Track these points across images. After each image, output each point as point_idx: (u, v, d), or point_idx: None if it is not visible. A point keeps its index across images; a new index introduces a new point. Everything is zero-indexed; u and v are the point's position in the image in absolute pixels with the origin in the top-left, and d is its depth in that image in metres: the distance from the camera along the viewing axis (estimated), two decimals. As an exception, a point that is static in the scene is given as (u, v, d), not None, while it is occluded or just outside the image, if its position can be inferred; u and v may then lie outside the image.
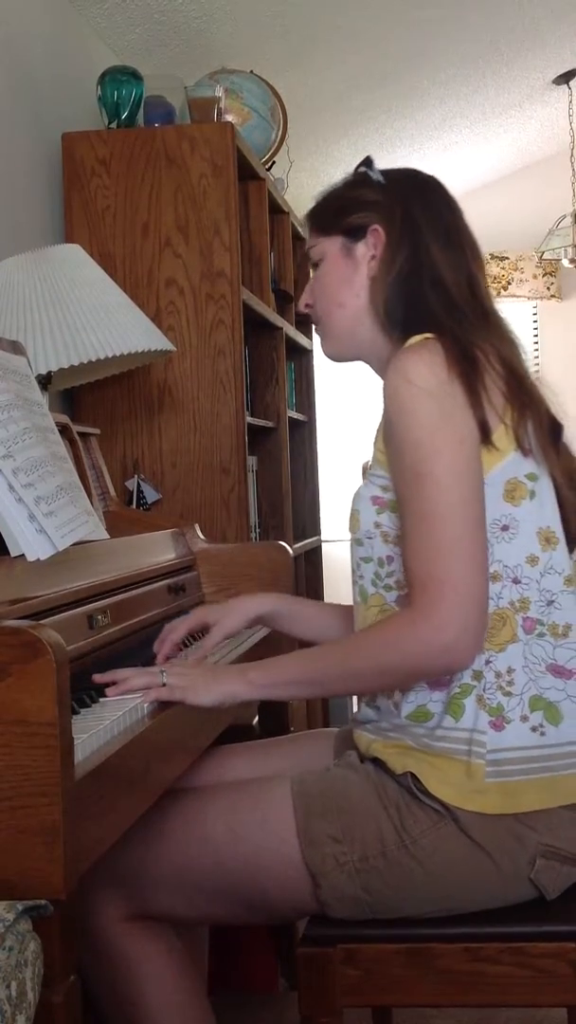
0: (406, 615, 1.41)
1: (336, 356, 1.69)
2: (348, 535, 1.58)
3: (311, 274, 1.68)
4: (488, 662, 1.45)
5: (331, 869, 1.44)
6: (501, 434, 1.46)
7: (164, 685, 1.46)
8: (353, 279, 1.60)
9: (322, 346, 1.70)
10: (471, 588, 1.38)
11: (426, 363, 1.44)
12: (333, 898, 1.45)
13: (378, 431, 1.53)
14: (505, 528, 1.47)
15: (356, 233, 1.60)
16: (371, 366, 1.66)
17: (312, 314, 1.68)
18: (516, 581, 1.47)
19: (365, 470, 1.61)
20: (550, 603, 1.48)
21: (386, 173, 1.63)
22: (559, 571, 1.50)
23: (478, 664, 1.44)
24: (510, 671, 1.45)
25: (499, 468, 1.46)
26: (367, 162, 1.65)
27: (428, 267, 1.56)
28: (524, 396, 1.49)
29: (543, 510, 1.50)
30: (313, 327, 1.70)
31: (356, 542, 1.56)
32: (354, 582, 1.57)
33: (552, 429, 1.53)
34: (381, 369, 1.61)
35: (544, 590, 1.48)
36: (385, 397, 1.47)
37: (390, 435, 1.46)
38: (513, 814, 1.43)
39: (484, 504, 1.43)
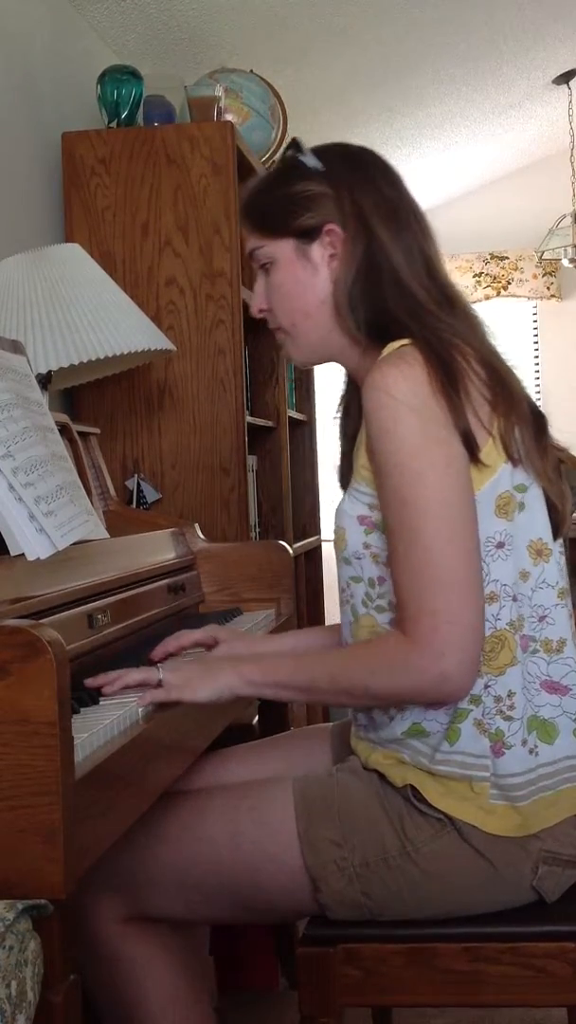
0: (401, 643, 1.35)
1: (306, 363, 1.63)
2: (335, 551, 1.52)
3: (256, 273, 1.58)
4: (487, 686, 1.41)
5: (332, 873, 1.44)
6: (490, 448, 1.40)
7: (160, 681, 1.46)
8: (314, 283, 1.51)
9: (289, 353, 1.60)
10: (466, 617, 1.33)
11: (406, 377, 1.36)
12: (333, 901, 1.45)
13: (359, 444, 1.47)
14: (500, 545, 1.41)
15: (309, 234, 1.50)
16: (342, 365, 1.59)
17: (270, 320, 1.58)
18: (515, 599, 1.42)
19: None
20: (542, 619, 1.45)
21: (321, 155, 1.52)
22: (551, 584, 1.46)
23: (476, 689, 1.41)
24: (511, 695, 1.42)
25: (489, 484, 1.40)
26: (296, 145, 1.53)
27: (385, 263, 1.47)
28: (508, 399, 1.42)
29: (533, 521, 1.45)
30: (275, 332, 1.60)
31: (344, 561, 1.50)
32: (344, 600, 1.52)
33: (535, 422, 1.47)
34: (354, 369, 1.56)
35: (536, 605, 1.44)
36: (366, 412, 1.40)
37: (374, 455, 1.40)
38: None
39: (476, 526, 1.37)
